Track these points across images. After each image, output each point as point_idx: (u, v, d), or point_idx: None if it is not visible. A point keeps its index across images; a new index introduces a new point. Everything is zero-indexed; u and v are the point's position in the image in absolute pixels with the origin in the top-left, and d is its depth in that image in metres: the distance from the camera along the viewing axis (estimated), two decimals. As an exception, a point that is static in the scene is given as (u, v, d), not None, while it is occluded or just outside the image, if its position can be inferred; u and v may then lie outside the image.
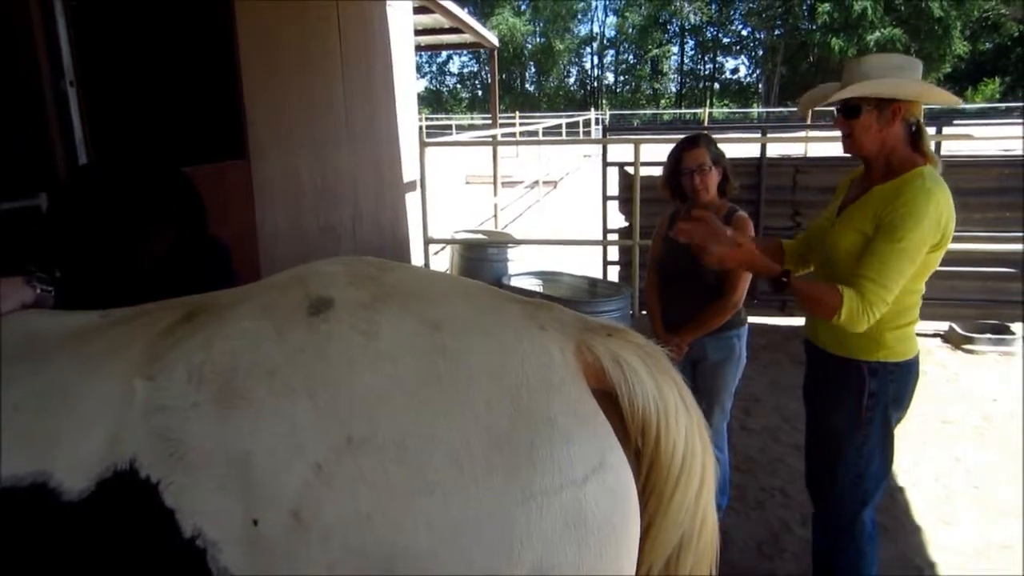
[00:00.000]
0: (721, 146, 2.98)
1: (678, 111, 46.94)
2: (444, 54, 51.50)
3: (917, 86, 2.11)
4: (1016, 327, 5.55)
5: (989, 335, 5.49)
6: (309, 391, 0.99)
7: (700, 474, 1.15)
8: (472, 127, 33.59)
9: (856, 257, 2.07)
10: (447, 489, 0.94)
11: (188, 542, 0.96)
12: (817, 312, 2.06)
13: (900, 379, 2.15)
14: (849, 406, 2.19)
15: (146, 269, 1.65)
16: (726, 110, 46.06)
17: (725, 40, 50.69)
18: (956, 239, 5.57)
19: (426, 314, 1.09)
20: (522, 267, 6.67)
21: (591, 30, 54.81)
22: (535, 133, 19.30)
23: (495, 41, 12.93)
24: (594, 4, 53.97)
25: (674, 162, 2.96)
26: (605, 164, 6.59)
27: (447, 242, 7.25)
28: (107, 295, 1.50)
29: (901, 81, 2.10)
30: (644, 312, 3.59)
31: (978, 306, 5.80)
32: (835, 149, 5.06)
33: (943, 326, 5.76)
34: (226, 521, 0.95)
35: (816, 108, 2.37)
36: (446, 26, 10.80)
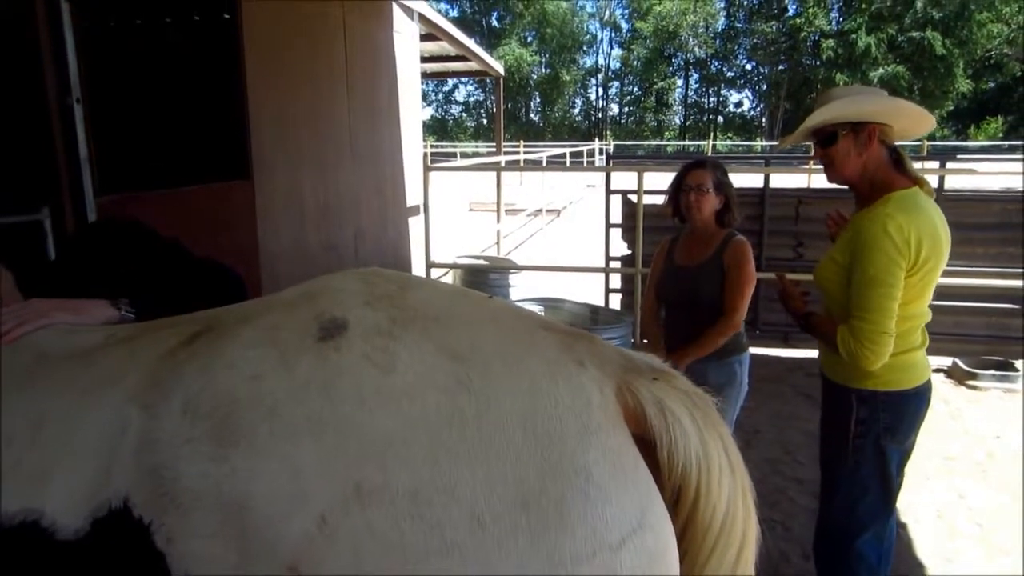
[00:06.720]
0: (723, 175, 2.97)
1: (682, 143, 47.20)
2: (450, 83, 51.98)
3: (883, 101, 2.08)
4: (1020, 364, 5.49)
5: (993, 371, 5.43)
6: (315, 432, 0.90)
7: (739, 542, 1.06)
8: (477, 155, 33.79)
9: (837, 286, 2.11)
10: (465, 551, 0.84)
11: None
12: (832, 351, 2.13)
13: (895, 409, 2.10)
14: (838, 432, 2.19)
15: None
16: (729, 143, 46.32)
17: (729, 74, 51.20)
18: (960, 274, 5.48)
19: (449, 343, 0.99)
20: (524, 293, 6.65)
21: (596, 62, 55.37)
22: (539, 162, 19.45)
23: (500, 70, 13.06)
24: (600, 36, 54.68)
25: (678, 180, 2.99)
26: (608, 191, 6.59)
27: (449, 267, 7.23)
28: None
29: (863, 98, 2.08)
30: (645, 341, 3.57)
31: (982, 342, 5.76)
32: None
33: (947, 361, 5.71)
34: (219, 572, 0.88)
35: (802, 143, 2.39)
36: (452, 54, 10.93)
